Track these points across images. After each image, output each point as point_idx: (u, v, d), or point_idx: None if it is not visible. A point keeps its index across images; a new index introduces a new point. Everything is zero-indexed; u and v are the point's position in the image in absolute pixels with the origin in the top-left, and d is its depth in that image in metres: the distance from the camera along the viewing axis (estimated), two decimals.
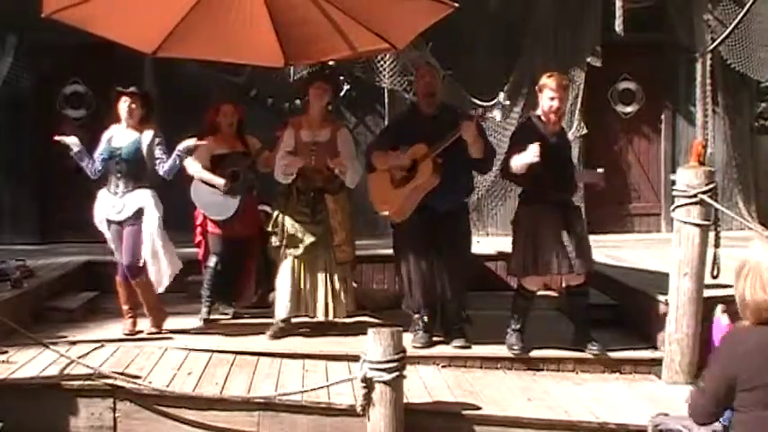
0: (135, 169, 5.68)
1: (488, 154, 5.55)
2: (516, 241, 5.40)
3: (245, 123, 6.30)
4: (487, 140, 5.64)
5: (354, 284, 6.15)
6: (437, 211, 5.48)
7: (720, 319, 3.04)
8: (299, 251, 5.76)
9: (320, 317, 5.80)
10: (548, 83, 5.32)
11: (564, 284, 5.50)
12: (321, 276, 5.80)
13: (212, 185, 6.01)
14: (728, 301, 3.05)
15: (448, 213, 5.53)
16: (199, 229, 6.22)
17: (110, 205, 5.68)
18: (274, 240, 5.85)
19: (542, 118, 5.38)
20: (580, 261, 5.23)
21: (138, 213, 5.66)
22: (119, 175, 5.68)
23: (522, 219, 5.40)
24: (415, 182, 5.45)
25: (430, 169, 5.37)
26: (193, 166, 6.02)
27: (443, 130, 5.36)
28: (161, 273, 5.69)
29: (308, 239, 5.75)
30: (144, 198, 5.68)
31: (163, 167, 5.68)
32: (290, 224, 5.80)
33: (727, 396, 2.59)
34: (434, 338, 5.64)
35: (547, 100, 5.31)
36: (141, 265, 5.67)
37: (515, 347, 5.40)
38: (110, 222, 5.71)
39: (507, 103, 5.29)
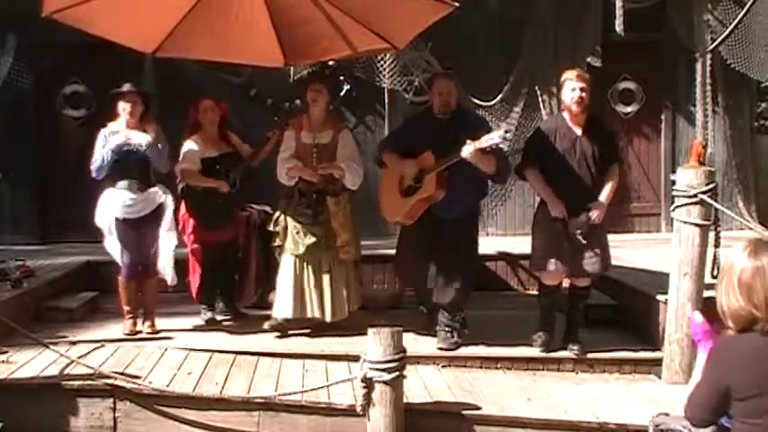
0: (148, 168, 5.74)
1: (501, 170, 5.41)
2: (534, 239, 5.44)
3: (229, 120, 6.24)
4: (502, 157, 5.43)
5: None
6: (444, 219, 5.48)
7: (694, 316, 3.03)
8: (300, 251, 5.76)
9: (328, 318, 5.79)
10: (568, 75, 5.31)
11: (569, 284, 5.50)
12: (322, 277, 5.79)
13: (210, 192, 5.94)
14: None
15: (455, 220, 5.49)
16: (191, 237, 6.08)
17: (128, 203, 5.65)
18: (277, 241, 5.85)
19: (566, 114, 5.35)
20: (592, 263, 5.25)
21: (159, 210, 5.73)
22: (133, 172, 5.67)
23: (540, 219, 5.41)
24: (420, 194, 5.43)
25: (434, 183, 5.34)
26: (191, 175, 5.95)
27: (456, 134, 5.30)
28: (171, 266, 5.85)
29: (309, 240, 5.74)
30: (162, 195, 5.78)
31: (159, 163, 5.77)
32: (291, 225, 5.80)
33: (722, 404, 2.58)
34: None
35: (569, 91, 5.25)
36: (158, 263, 5.80)
37: (539, 346, 5.41)
38: (123, 221, 5.67)
39: (509, 135, 5.14)
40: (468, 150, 5.09)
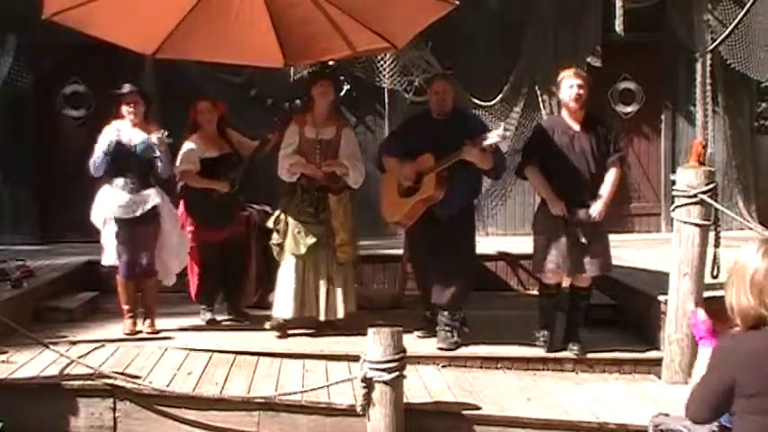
0: (146, 167, 5.73)
1: (498, 166, 5.45)
2: (536, 240, 5.43)
3: (227, 120, 6.24)
4: (499, 154, 5.46)
5: (355, 285, 6.11)
6: (440, 217, 5.48)
7: (698, 313, 3.04)
8: (302, 251, 5.75)
9: (322, 317, 5.79)
10: (565, 74, 5.32)
11: (570, 284, 5.50)
12: (323, 276, 5.78)
13: (209, 193, 5.95)
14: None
15: (451, 218, 5.48)
16: (191, 237, 6.08)
17: (122, 203, 5.64)
18: (276, 238, 5.83)
19: (564, 112, 5.36)
20: (594, 263, 5.25)
21: (155, 210, 5.72)
22: (130, 172, 5.67)
23: (540, 218, 5.40)
24: (418, 195, 5.44)
25: (433, 184, 5.35)
26: (190, 177, 5.95)
27: (455, 135, 5.31)
28: (173, 267, 5.89)
29: (310, 240, 5.73)
30: (159, 195, 5.77)
31: (160, 166, 5.74)
32: (293, 223, 5.78)
33: (725, 401, 2.58)
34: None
35: (566, 89, 5.26)
36: (156, 262, 5.81)
37: (541, 345, 5.41)
38: (120, 220, 5.67)
39: (508, 134, 5.14)
40: (468, 151, 5.15)
